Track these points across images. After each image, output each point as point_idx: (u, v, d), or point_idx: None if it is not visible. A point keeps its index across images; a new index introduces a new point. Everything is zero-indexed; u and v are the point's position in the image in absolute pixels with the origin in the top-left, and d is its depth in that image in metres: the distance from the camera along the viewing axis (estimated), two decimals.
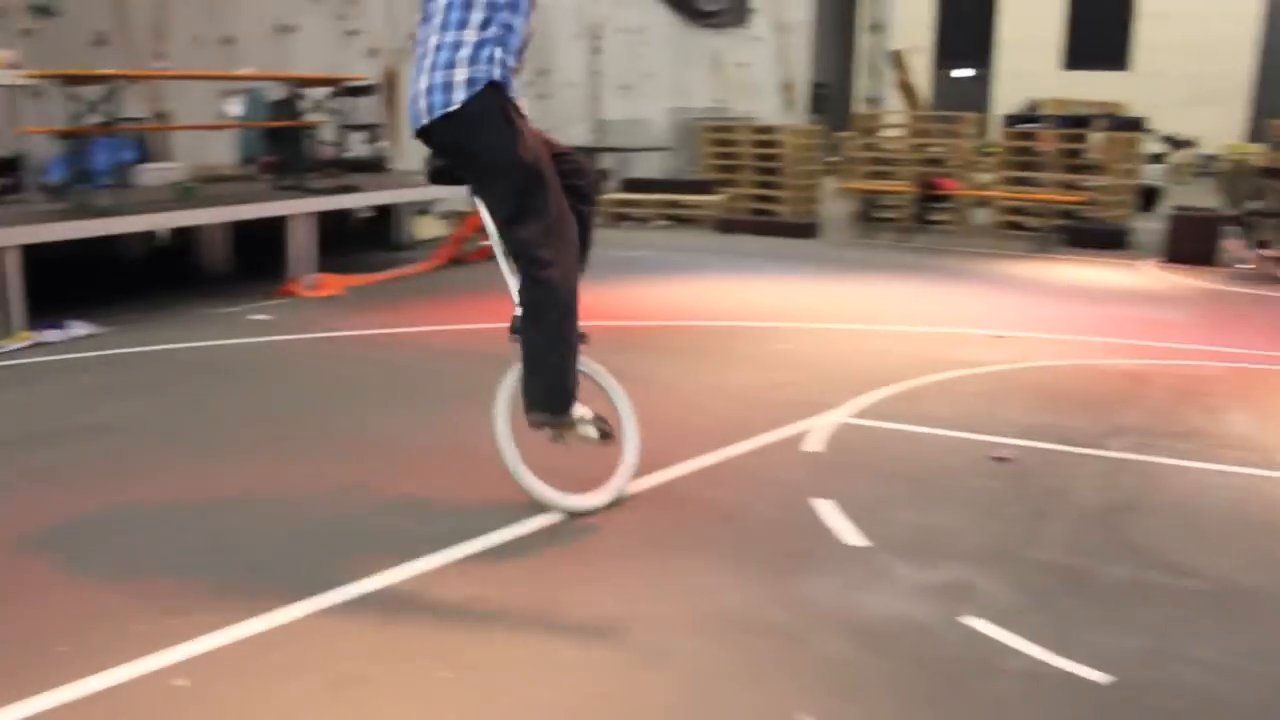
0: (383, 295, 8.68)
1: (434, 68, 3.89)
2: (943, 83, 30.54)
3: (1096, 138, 14.11)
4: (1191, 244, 11.47)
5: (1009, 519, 4.19)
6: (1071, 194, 13.16)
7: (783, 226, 13.52)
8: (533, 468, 4.10)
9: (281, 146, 10.10)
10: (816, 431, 5.21)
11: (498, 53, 3.88)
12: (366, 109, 11.51)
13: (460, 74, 3.85)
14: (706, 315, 8.12)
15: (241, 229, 9.29)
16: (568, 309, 4.01)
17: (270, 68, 10.54)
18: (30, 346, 6.73)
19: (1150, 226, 13.24)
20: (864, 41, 29.08)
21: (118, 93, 8.15)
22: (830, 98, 26.27)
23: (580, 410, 4.11)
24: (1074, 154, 13.86)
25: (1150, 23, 28.44)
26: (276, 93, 10.10)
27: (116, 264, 8.76)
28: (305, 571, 3.57)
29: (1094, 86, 25.37)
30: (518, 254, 4.02)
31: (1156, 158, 18.61)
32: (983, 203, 14.55)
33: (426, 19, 3.99)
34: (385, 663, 3.01)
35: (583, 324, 4.08)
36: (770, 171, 14.51)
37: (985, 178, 14.62)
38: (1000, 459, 4.86)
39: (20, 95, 8.65)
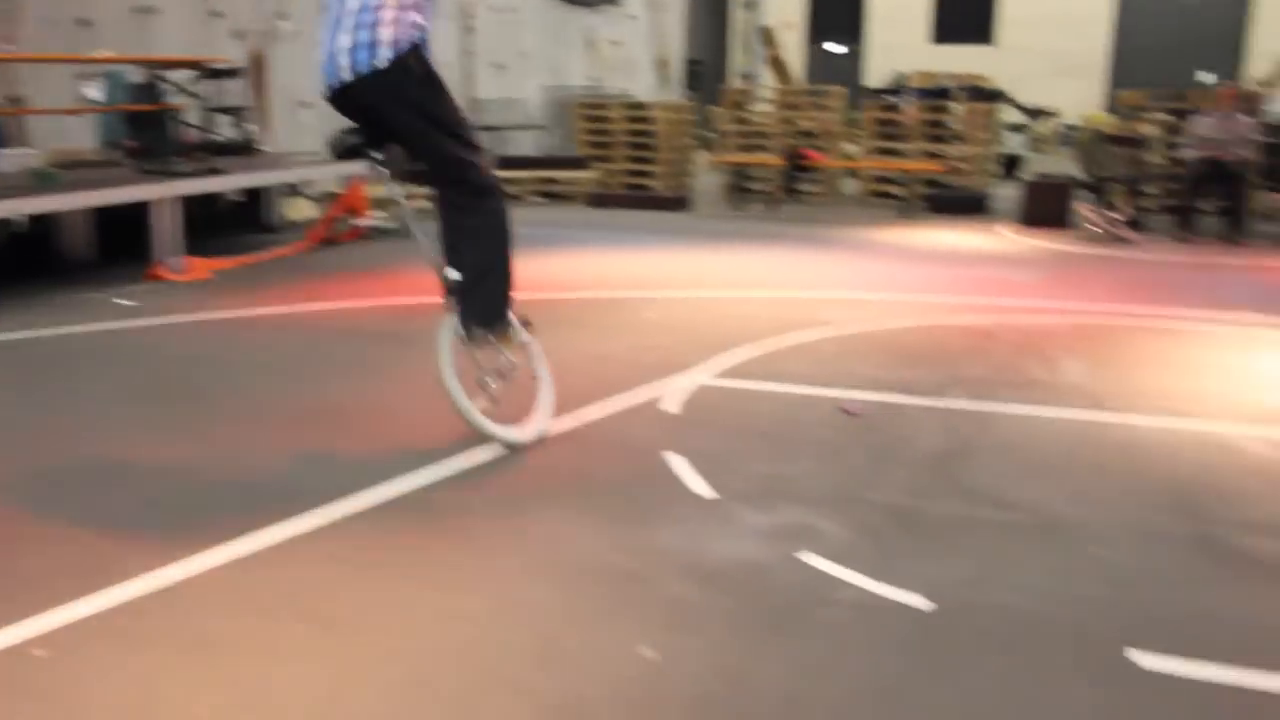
0: (252, 277, 8.64)
1: (357, 26, 4.13)
2: (817, 58, 31.09)
3: (957, 109, 14.58)
4: (1045, 209, 11.99)
5: (851, 466, 4.43)
6: (933, 163, 13.60)
7: (656, 200, 13.73)
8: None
9: (144, 130, 9.94)
10: (677, 393, 5.40)
11: (418, 16, 4.21)
12: (233, 92, 11.36)
13: (385, 33, 4.12)
14: (580, 287, 8.26)
15: (105, 214, 9.12)
16: (508, 221, 4.56)
17: (130, 50, 10.35)
18: None
19: (1010, 193, 13.75)
20: (738, 18, 29.41)
21: None
22: (705, 74, 26.56)
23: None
24: (936, 125, 14.32)
25: None
26: (137, 76, 9.93)
27: None
28: (166, 539, 3.62)
29: (962, 60, 26.04)
30: (459, 184, 4.43)
31: (1017, 128, 19.26)
32: (851, 173, 14.95)
33: None
34: (245, 622, 3.10)
35: None
36: (643, 147, 14.70)
37: (852, 149, 15.02)
38: (848, 412, 5.10)
39: None
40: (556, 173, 14.39)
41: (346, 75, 4.17)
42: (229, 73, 11.12)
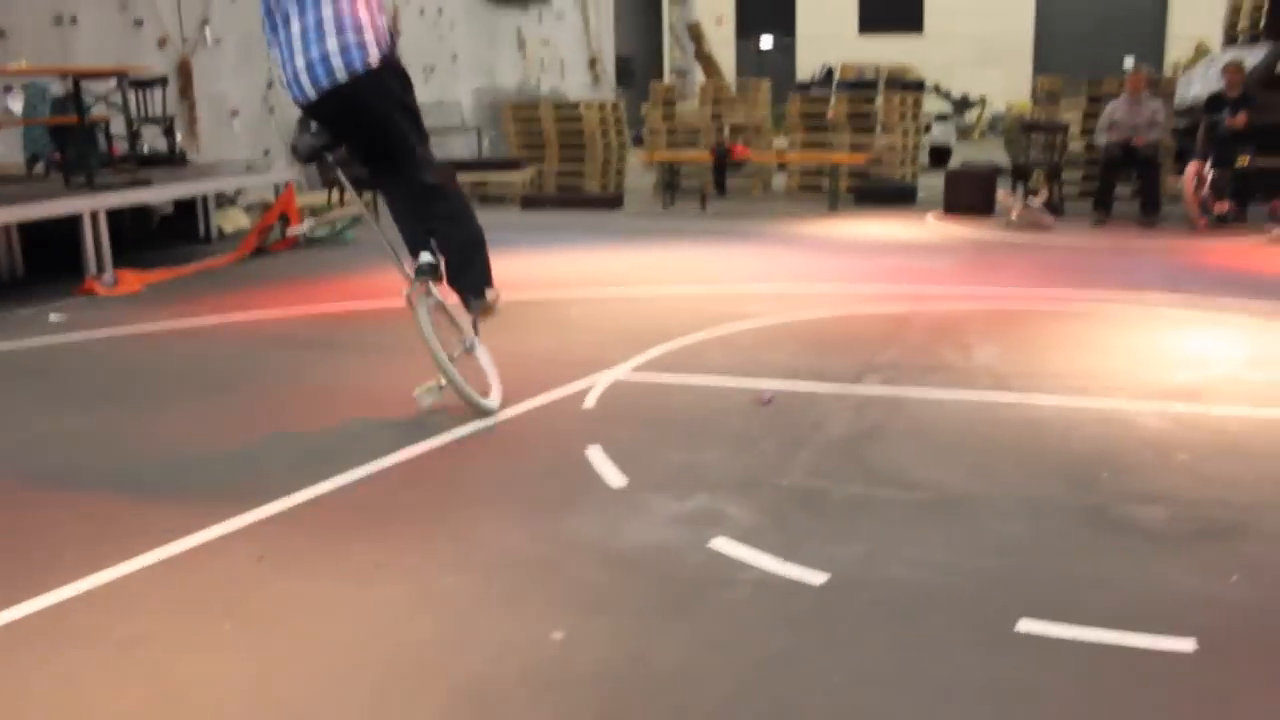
0: (184, 289, 8.68)
1: (340, 30, 4.47)
2: (748, 52, 31.36)
3: (880, 100, 14.85)
4: (968, 197, 12.28)
5: (762, 453, 4.61)
6: (857, 154, 13.86)
7: (588, 200, 13.87)
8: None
9: (69, 143, 9.91)
10: (597, 388, 5.56)
11: (384, 20, 4.62)
12: (160, 102, 11.35)
13: (369, 35, 4.52)
14: (511, 288, 8.33)
15: (32, 229, 9.13)
16: (468, 202, 5.27)
17: (50, 61, 10.31)
18: None
19: (936, 183, 14.03)
20: (670, 15, 29.58)
21: None
22: (637, 72, 26.72)
23: None
24: (861, 116, 14.58)
25: None
26: (58, 87, 9.90)
27: None
28: (95, 545, 3.71)
29: (890, 50, 26.43)
30: (427, 177, 4.89)
31: (944, 117, 19.61)
32: (781, 167, 15.18)
33: None
34: (171, 620, 3.22)
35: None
36: (574, 146, 14.82)
37: (781, 142, 15.25)
38: (763, 402, 5.29)
39: None
40: (489, 175, 14.49)
41: (340, 76, 4.48)
42: (154, 82, 11.12)
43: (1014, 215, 11.40)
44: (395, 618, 3.24)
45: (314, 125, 4.80)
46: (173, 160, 11.25)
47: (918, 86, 15.45)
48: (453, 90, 17.45)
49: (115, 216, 9.21)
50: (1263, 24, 13.92)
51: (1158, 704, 2.76)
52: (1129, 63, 24.95)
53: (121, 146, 10.55)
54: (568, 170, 14.88)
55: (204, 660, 3.02)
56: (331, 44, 4.44)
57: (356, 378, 5.90)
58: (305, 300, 8.03)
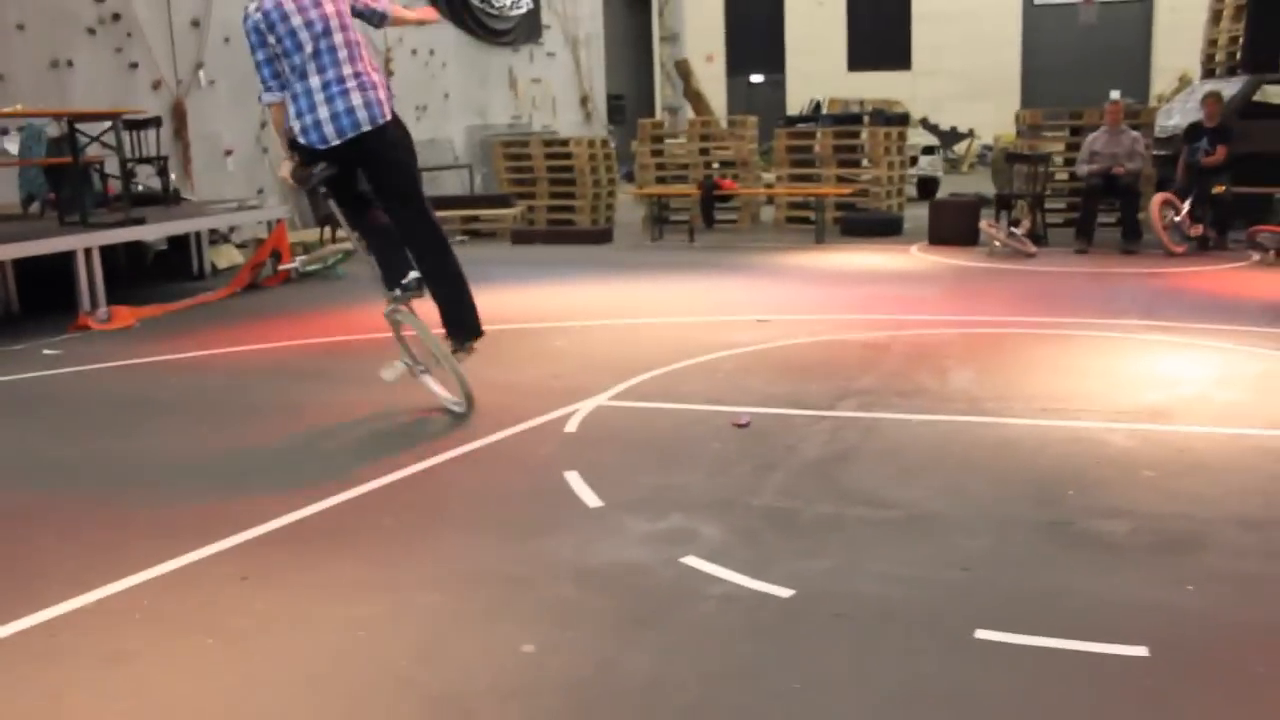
0: (177, 324, 8.80)
1: (362, 88, 5.29)
2: (739, 88, 31.68)
3: (866, 134, 15.04)
4: (952, 227, 12.44)
5: (737, 475, 4.72)
6: (843, 187, 14.03)
7: (578, 234, 14.02)
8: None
9: (64, 182, 10.06)
10: (579, 414, 5.67)
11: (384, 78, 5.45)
12: (154, 142, 11.50)
13: (382, 93, 5.38)
14: (500, 320, 8.48)
15: (27, 267, 9.26)
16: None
17: (47, 104, 10.47)
18: None
19: (923, 214, 14.19)
20: (660, 53, 29.90)
21: None
22: (629, 109, 26.99)
23: None
24: (848, 149, 14.77)
25: (927, 24, 30.12)
26: (54, 129, 10.05)
27: None
28: (83, 568, 3.81)
29: (879, 86, 26.72)
30: (423, 211, 5.51)
31: (931, 149, 19.82)
32: (769, 200, 15.36)
33: (299, 49, 5.22)
34: (154, 638, 3.32)
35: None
36: (565, 182, 15.00)
37: (769, 176, 15.43)
38: (740, 425, 5.40)
39: None
40: (480, 211, 14.66)
41: (366, 126, 5.27)
42: (148, 123, 11.28)
43: (997, 243, 11.55)
44: (371, 633, 3.33)
45: (321, 164, 5.40)
46: (166, 199, 11.39)
47: (902, 120, 15.64)
48: (445, 128, 17.65)
49: (109, 254, 9.35)
50: (1239, 56, 14.14)
51: (1106, 705, 2.86)
52: (1115, 95, 25.26)
53: (116, 186, 10.69)
54: (558, 205, 15.05)
55: (184, 676, 3.11)
56: (356, 99, 5.25)
57: (343, 406, 6.01)
58: (296, 333, 8.16)
